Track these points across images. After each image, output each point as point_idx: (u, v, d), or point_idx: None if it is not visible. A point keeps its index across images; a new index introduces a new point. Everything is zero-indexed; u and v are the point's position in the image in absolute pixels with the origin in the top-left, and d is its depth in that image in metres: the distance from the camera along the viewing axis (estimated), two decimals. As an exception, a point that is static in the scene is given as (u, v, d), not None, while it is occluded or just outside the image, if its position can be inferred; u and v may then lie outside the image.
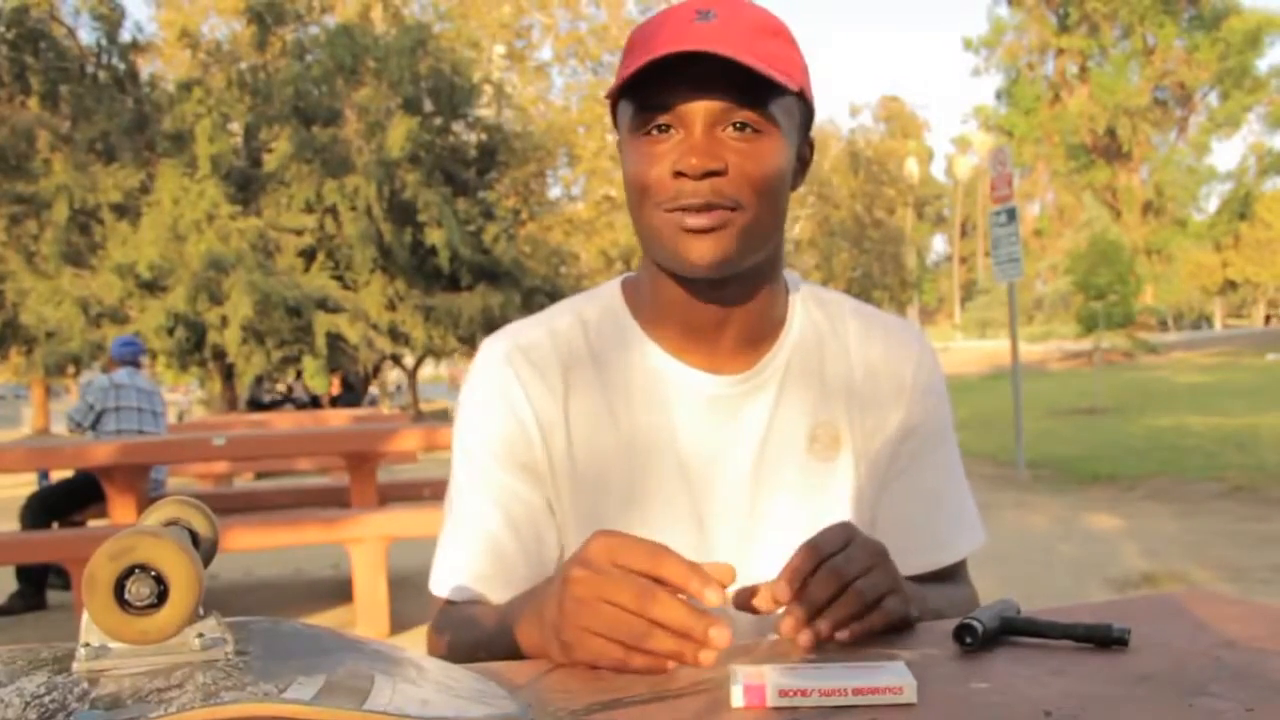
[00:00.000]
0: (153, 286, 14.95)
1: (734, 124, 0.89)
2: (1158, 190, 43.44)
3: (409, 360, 20.08)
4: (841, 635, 0.80)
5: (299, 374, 18.03)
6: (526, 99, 29.34)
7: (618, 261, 30.46)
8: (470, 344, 17.47)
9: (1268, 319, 55.29)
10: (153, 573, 0.55)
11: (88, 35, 16.66)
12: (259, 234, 15.60)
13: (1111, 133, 42.89)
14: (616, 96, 0.93)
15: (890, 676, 0.67)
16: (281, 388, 21.15)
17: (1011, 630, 0.81)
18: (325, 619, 4.57)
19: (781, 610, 0.81)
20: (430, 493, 5.76)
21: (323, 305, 15.80)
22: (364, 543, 4.41)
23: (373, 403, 22.75)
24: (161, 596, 0.55)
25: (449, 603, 1.00)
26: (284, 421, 10.55)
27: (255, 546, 4.96)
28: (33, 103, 15.82)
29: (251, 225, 15.46)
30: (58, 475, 5.85)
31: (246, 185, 16.42)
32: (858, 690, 0.65)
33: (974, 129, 50.15)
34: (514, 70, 31.75)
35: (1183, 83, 42.99)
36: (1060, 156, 43.89)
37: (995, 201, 8.76)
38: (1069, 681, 0.70)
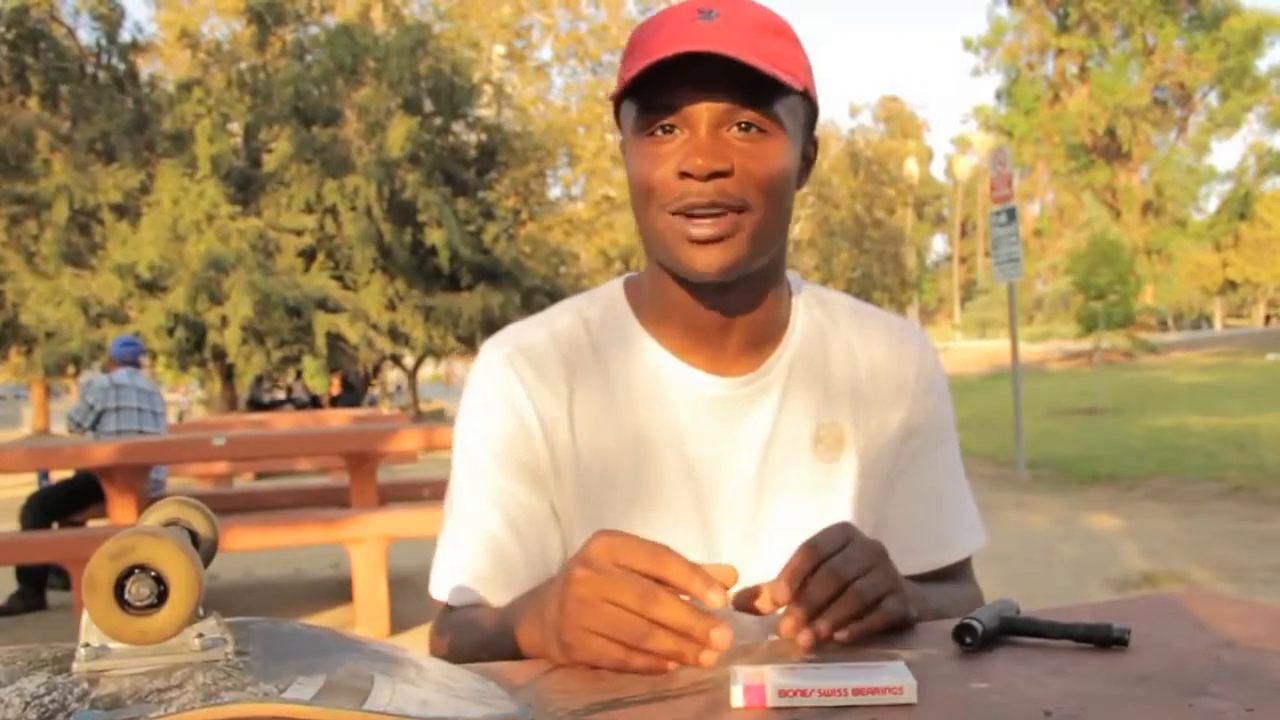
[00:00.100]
0: (153, 287, 14.95)
1: (739, 124, 0.88)
2: (1158, 190, 43.45)
3: (409, 360, 20.08)
4: (841, 635, 0.80)
5: (299, 374, 18.04)
6: (526, 99, 29.34)
7: (617, 261, 30.47)
8: (470, 344, 17.48)
9: (1268, 319, 55.30)
10: (153, 573, 0.55)
11: (88, 35, 16.69)
12: (259, 234, 15.60)
13: (1111, 133, 42.89)
14: (620, 97, 0.93)
15: (890, 676, 0.67)
16: (281, 392, 21.17)
17: (1011, 630, 0.81)
18: (325, 619, 4.57)
19: (781, 611, 0.81)
20: (430, 493, 5.76)
21: (323, 305, 15.80)
22: (364, 543, 4.41)
23: (373, 403, 22.76)
24: (161, 597, 0.55)
25: (449, 607, 1.00)
26: (284, 421, 10.55)
27: (255, 546, 4.96)
28: (33, 103, 15.83)
29: (251, 225, 15.46)
30: (58, 475, 5.85)
31: (246, 185, 16.42)
32: (858, 690, 0.66)
33: (974, 129, 50.17)
34: (514, 70, 31.76)
35: (1183, 83, 43.00)
36: (1060, 156, 43.90)
37: (995, 201, 8.76)
38: (1069, 681, 0.70)
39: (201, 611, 0.57)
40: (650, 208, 0.91)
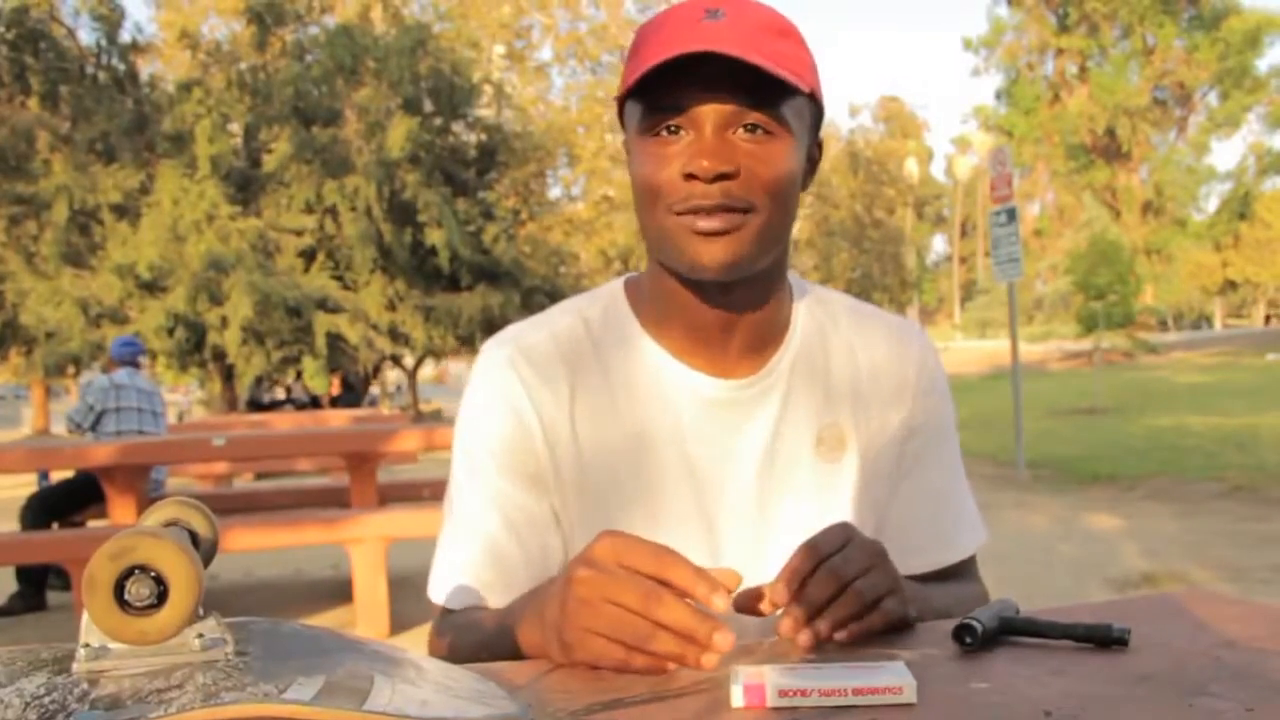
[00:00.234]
0: (153, 287, 14.95)
1: (745, 125, 0.88)
2: (1157, 190, 43.46)
3: (409, 360, 20.08)
4: (840, 636, 0.80)
5: (299, 374, 18.03)
6: (526, 99, 29.34)
7: (617, 261, 30.47)
8: (470, 344, 17.48)
9: (1268, 319, 55.30)
10: (153, 573, 0.55)
11: (87, 36, 16.69)
12: (259, 234, 15.60)
13: (1111, 133, 42.91)
14: (624, 97, 0.92)
15: (890, 676, 0.67)
16: (281, 393, 21.17)
17: (1011, 630, 0.81)
18: (325, 619, 4.57)
19: (781, 611, 0.81)
20: (430, 493, 5.76)
21: (323, 305, 15.80)
22: (364, 543, 4.41)
23: (373, 403, 22.76)
24: (161, 597, 0.55)
25: (448, 608, 0.99)
26: (284, 422, 10.55)
27: (255, 547, 4.96)
28: (33, 103, 15.82)
29: (251, 226, 15.46)
30: (58, 476, 5.84)
31: (246, 185, 16.42)
32: (857, 690, 0.65)
33: (974, 129, 50.18)
34: (514, 70, 31.77)
35: (1182, 83, 43.01)
36: (1060, 156, 43.91)
37: (995, 201, 8.76)
38: (1069, 681, 0.70)
39: (201, 612, 0.57)
40: (655, 208, 0.91)
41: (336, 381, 19.98)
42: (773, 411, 1.00)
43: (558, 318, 1.03)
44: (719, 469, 0.99)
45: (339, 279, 16.41)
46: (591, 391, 0.99)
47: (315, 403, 19.01)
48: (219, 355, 15.82)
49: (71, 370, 16.70)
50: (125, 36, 16.63)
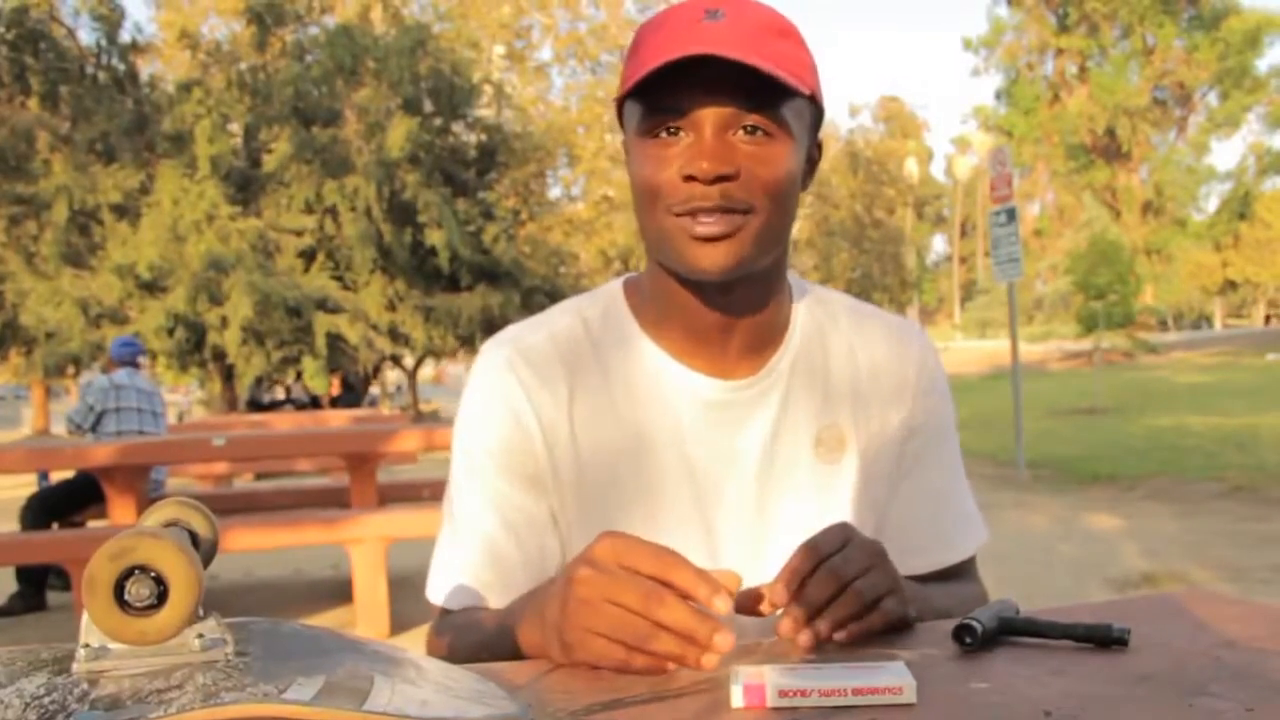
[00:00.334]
0: (152, 287, 14.95)
1: (745, 127, 0.88)
2: (1157, 190, 43.46)
3: (409, 361, 20.08)
4: (840, 636, 0.80)
5: (299, 375, 18.04)
6: (526, 99, 29.34)
7: (617, 261, 30.47)
8: (470, 344, 17.48)
9: (1268, 319, 55.30)
10: (152, 574, 0.55)
11: (87, 36, 16.68)
12: (259, 234, 15.60)
13: (1111, 133, 42.91)
14: (623, 97, 0.92)
15: (890, 676, 0.67)
16: (281, 393, 21.17)
17: (1011, 630, 0.81)
18: (325, 619, 4.57)
19: (781, 611, 0.81)
20: (430, 493, 5.76)
21: (323, 306, 15.80)
22: (364, 543, 4.41)
23: (373, 403, 22.76)
24: (161, 597, 0.55)
25: (447, 610, 0.99)
26: (284, 422, 10.55)
27: (255, 547, 4.96)
28: (33, 103, 15.82)
29: (251, 226, 15.46)
30: (57, 476, 5.84)
31: (246, 186, 16.42)
32: (857, 690, 0.65)
33: (974, 129, 50.18)
34: (514, 70, 31.76)
35: (1182, 83, 43.01)
36: (1060, 156, 43.91)
37: (995, 201, 8.76)
38: (1069, 681, 0.70)
39: (201, 612, 0.57)
40: (655, 210, 0.90)
41: (336, 382, 19.98)
42: (771, 412, 1.00)
43: (557, 318, 1.03)
44: (718, 470, 0.99)
45: (339, 279, 16.41)
46: (590, 392, 0.99)
47: (315, 403, 19.01)
48: (219, 355, 15.82)
49: (71, 370, 16.70)
50: (125, 36, 16.63)
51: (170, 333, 14.90)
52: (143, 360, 6.09)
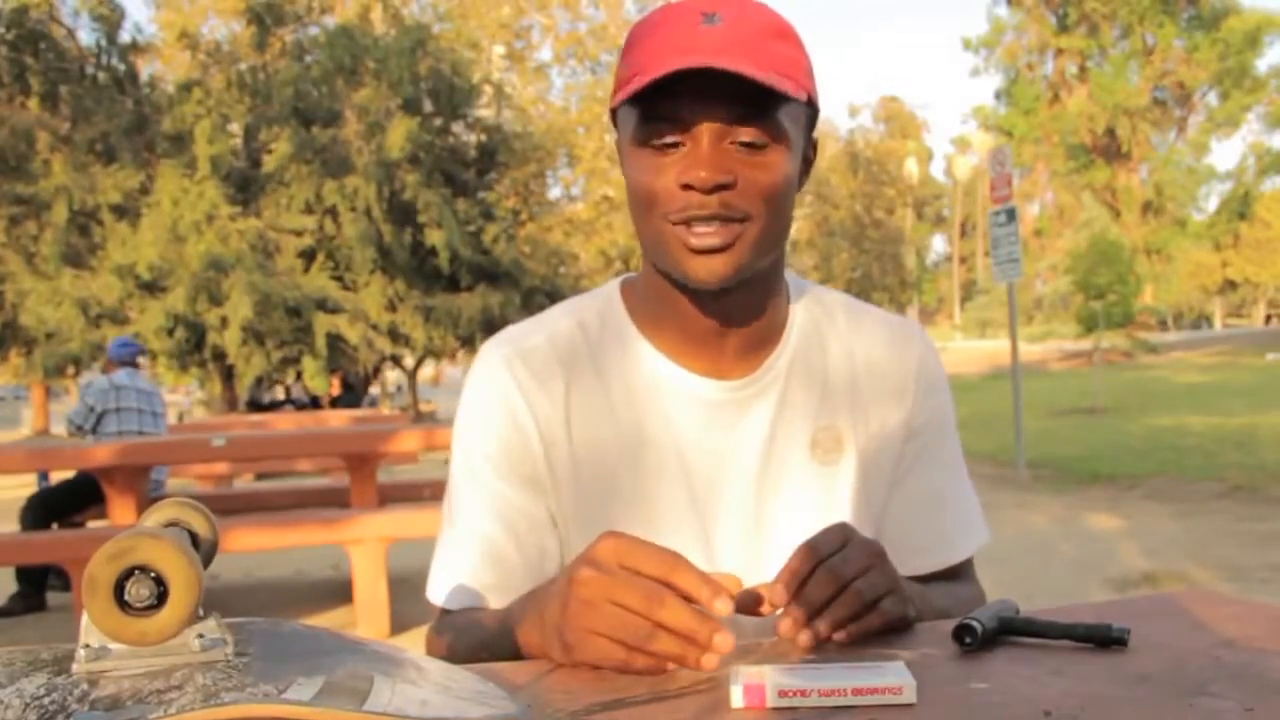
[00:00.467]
0: (152, 287, 14.96)
1: (742, 136, 0.87)
2: (1157, 190, 43.46)
3: (409, 361, 20.08)
4: (839, 636, 0.80)
5: (299, 375, 18.04)
6: (526, 99, 29.35)
7: (617, 261, 30.46)
8: (470, 344, 17.48)
9: (1268, 319, 55.32)
10: (152, 574, 0.55)
11: (87, 36, 16.70)
12: (259, 235, 15.60)
13: (1111, 133, 42.92)
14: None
15: (890, 676, 0.67)
16: (281, 393, 21.17)
17: (1011, 630, 0.81)
18: (325, 620, 4.57)
19: (780, 611, 0.81)
20: (430, 493, 5.76)
21: (323, 306, 15.80)
22: (364, 543, 4.41)
23: (373, 403, 22.76)
24: (161, 598, 0.55)
25: (447, 610, 0.99)
26: (284, 422, 10.55)
27: (255, 547, 4.96)
28: (33, 103, 15.83)
29: (251, 226, 15.46)
30: (57, 476, 5.84)
31: (246, 186, 16.43)
32: (857, 690, 0.65)
33: (973, 129, 50.19)
34: (514, 71, 31.76)
35: (1182, 83, 43.02)
36: (1060, 156, 43.91)
37: (995, 201, 8.76)
38: (1069, 681, 0.70)
39: (201, 612, 0.57)
40: (651, 216, 0.90)
41: (336, 382, 19.99)
42: (768, 413, 1.00)
43: (554, 319, 1.03)
44: (715, 470, 0.99)
45: (339, 279, 16.41)
46: (587, 393, 0.99)
47: (315, 403, 19.00)
48: (219, 355, 15.83)
49: (71, 371, 16.70)
50: (125, 37, 16.66)
51: (170, 333, 14.91)
52: (142, 360, 6.09)
